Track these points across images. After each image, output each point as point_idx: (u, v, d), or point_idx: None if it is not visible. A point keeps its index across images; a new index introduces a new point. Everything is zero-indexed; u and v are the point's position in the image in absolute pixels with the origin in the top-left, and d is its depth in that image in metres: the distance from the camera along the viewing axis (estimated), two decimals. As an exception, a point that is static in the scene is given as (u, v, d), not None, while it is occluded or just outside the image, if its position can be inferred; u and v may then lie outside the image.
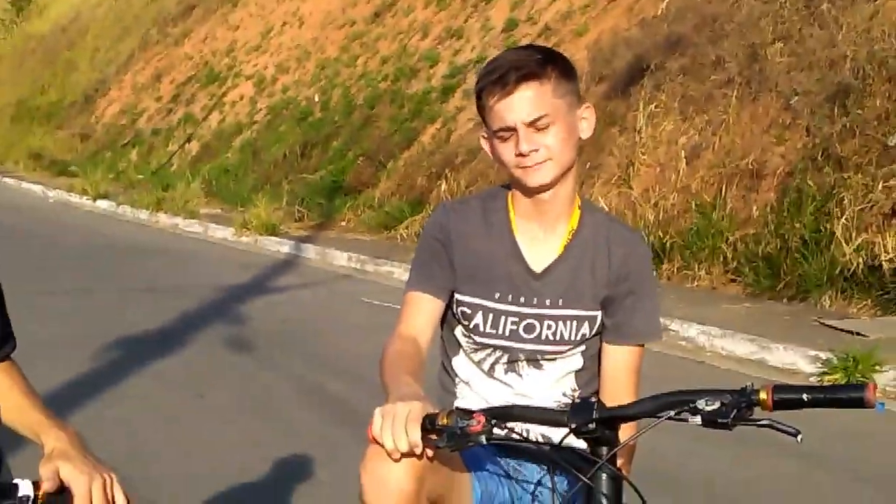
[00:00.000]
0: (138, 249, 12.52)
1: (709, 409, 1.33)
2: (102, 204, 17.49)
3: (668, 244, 8.80)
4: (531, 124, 1.62)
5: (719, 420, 1.34)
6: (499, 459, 1.83)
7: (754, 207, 8.48)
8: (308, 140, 16.02)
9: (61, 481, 1.29)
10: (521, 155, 1.62)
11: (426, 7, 16.27)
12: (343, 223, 13.60)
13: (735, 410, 1.33)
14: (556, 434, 1.48)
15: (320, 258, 11.72)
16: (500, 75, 1.65)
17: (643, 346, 1.83)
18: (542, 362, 1.85)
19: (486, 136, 1.78)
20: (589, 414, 1.40)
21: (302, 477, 4.34)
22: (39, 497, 1.26)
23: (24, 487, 1.26)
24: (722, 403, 1.32)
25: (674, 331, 7.32)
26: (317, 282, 10.32)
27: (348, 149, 15.11)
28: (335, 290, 10.00)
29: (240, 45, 21.53)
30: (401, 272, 9.67)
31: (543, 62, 1.68)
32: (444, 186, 11.96)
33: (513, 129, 1.63)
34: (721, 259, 8.42)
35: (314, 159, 15.65)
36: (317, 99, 17.22)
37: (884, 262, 7.25)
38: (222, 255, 12.33)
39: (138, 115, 23.33)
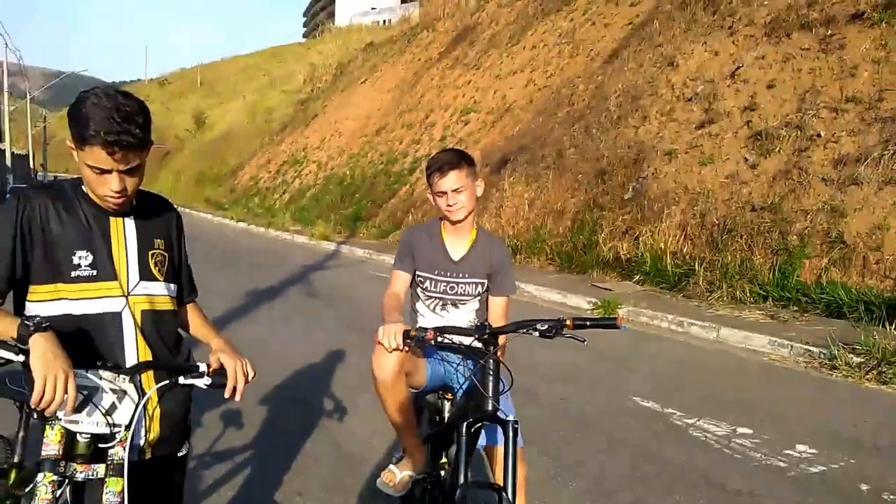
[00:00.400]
0: (258, 247, 18.60)
1: (542, 328, 2.18)
2: (241, 224, 25.83)
3: (518, 246, 12.64)
4: (454, 191, 2.54)
5: (547, 334, 2.18)
6: (439, 353, 2.65)
7: (560, 228, 12.49)
8: (343, 194, 23.83)
9: (220, 364, 1.89)
10: (449, 205, 2.56)
11: (401, 128, 23.32)
12: (361, 235, 20.03)
13: (554, 329, 2.18)
14: (467, 340, 2.28)
15: (349, 252, 16.78)
16: (440, 166, 2.55)
17: (508, 297, 2.73)
18: (459, 305, 2.72)
19: (430, 194, 2.69)
20: (485, 329, 2.23)
21: (339, 358, 6.27)
22: (209, 372, 1.86)
23: (202, 367, 1.86)
24: (549, 325, 2.17)
25: (521, 288, 9.92)
26: (348, 264, 14.68)
27: (363, 199, 22.32)
28: (357, 268, 14.02)
29: (310, 146, 31.59)
30: (390, 259, 12.45)
31: (460, 159, 2.57)
32: (410, 217, 17.78)
33: (444, 193, 2.56)
34: (544, 253, 12.42)
35: (346, 203, 23.05)
36: (349, 173, 25.14)
37: (622, 255, 10.83)
38: (301, 250, 17.81)
39: (258, 180, 34.61)
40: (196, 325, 2.17)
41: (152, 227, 1.98)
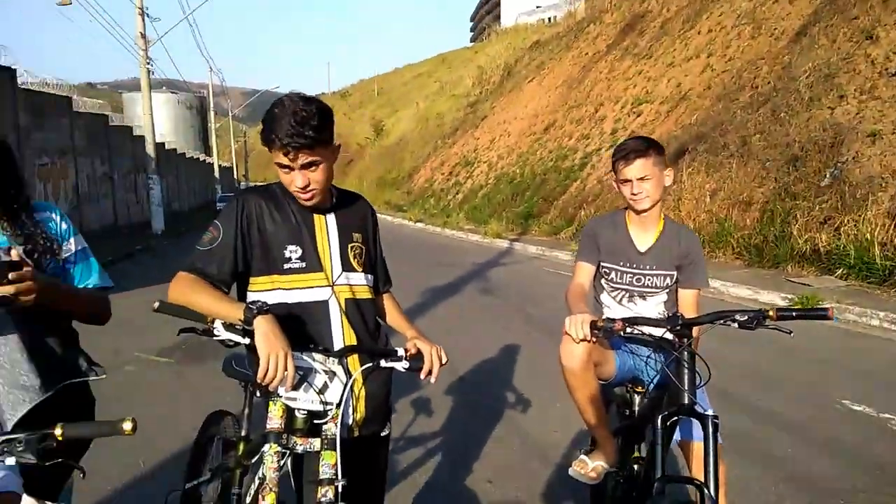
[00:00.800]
0: (435, 244, 19.96)
1: (741, 319, 2.07)
2: (419, 224, 27.16)
3: (700, 239, 12.56)
4: (640, 179, 2.49)
5: (747, 325, 2.05)
6: (627, 345, 2.61)
7: (747, 220, 11.85)
8: (514, 192, 24.04)
9: (416, 349, 2.01)
10: (634, 194, 2.52)
11: (570, 124, 23.03)
12: (533, 233, 20.20)
13: (756, 320, 2.06)
14: (658, 332, 2.21)
15: (522, 249, 17.34)
16: (626, 153, 2.52)
17: (699, 290, 2.64)
18: (646, 297, 2.65)
19: (615, 181, 2.65)
20: (677, 320, 2.17)
21: (517, 352, 6.41)
22: (406, 356, 1.99)
23: (400, 351, 2.00)
24: (749, 316, 2.06)
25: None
26: (521, 260, 15.07)
27: (534, 196, 22.37)
28: (530, 264, 14.37)
29: (480, 147, 32.29)
30: (563, 256, 14.44)
31: (647, 146, 2.51)
32: (582, 213, 17.59)
33: (629, 181, 2.51)
34: (729, 247, 11.82)
35: (517, 202, 23.23)
36: (519, 172, 24.90)
37: (820, 248, 10.06)
38: (475, 248, 18.54)
39: (433, 182, 36.04)
40: (392, 314, 2.29)
41: (351, 222, 2.13)
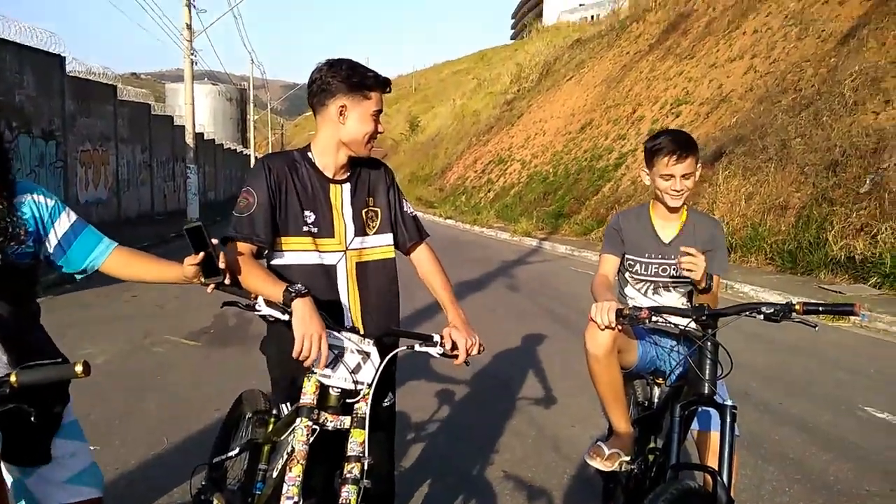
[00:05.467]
0: (464, 241, 19.68)
1: (767, 311, 2.07)
2: (449, 221, 27.22)
3: (733, 243, 11.77)
4: (683, 176, 2.52)
5: (773, 317, 2.04)
6: (651, 336, 2.65)
7: (782, 225, 11.68)
8: (546, 191, 23.94)
9: (452, 339, 2.06)
10: (675, 190, 2.52)
11: (607, 124, 22.89)
12: (563, 232, 20.05)
13: (782, 313, 2.05)
14: (683, 322, 2.25)
15: (551, 248, 17.38)
16: (674, 149, 2.50)
17: (718, 277, 2.59)
18: (671, 288, 2.68)
19: (647, 173, 2.64)
20: (703, 310, 2.18)
21: (540, 347, 6.55)
22: (441, 343, 2.02)
23: (436, 338, 2.04)
24: (776, 308, 2.06)
25: (736, 289, 9.70)
26: (550, 259, 15.21)
27: (566, 195, 22.20)
28: (559, 263, 14.46)
29: (514, 145, 32.10)
30: (592, 256, 14.27)
31: (693, 144, 2.56)
32: (614, 214, 17.78)
33: (672, 176, 2.52)
34: (762, 252, 11.65)
35: (549, 201, 23.12)
36: (552, 171, 24.74)
37: (856, 256, 9.86)
38: (504, 245, 18.67)
39: (465, 179, 35.93)
40: (427, 268, 2.36)
41: (364, 187, 2.25)
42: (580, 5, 72.19)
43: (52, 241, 1.92)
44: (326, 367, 1.88)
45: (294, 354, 1.80)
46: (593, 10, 63.41)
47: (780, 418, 4.71)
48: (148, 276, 2.03)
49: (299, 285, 1.91)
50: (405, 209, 2.36)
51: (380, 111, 2.15)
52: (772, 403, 5.00)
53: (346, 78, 2.09)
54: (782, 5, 19.06)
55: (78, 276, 2.02)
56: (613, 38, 32.87)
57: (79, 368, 1.38)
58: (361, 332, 2.03)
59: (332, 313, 1.99)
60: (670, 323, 2.28)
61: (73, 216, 1.98)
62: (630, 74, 26.03)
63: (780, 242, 11.56)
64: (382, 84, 2.13)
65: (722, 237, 2.69)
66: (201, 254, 1.77)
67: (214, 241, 1.83)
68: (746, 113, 15.98)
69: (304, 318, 1.83)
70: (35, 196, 1.91)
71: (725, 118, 16.90)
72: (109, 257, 1.99)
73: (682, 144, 2.52)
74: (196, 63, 22.93)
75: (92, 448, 2.03)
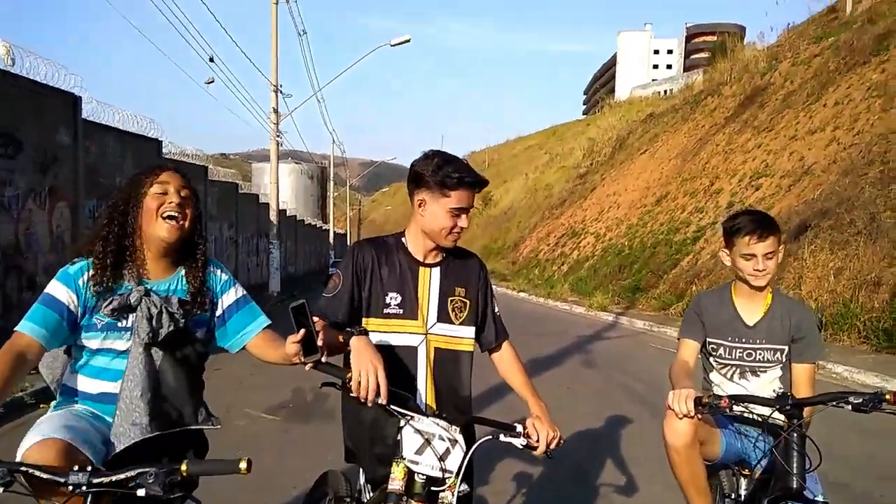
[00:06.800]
0: (540, 314, 19.86)
1: (856, 401, 1.98)
2: (522, 294, 27.07)
3: (823, 321, 11.03)
4: (765, 255, 2.45)
5: (862, 408, 1.95)
6: (734, 424, 2.54)
7: (875, 302, 11.20)
8: (621, 264, 23.54)
9: (536, 432, 2.00)
10: (758, 270, 2.46)
11: (683, 197, 22.59)
12: (640, 307, 19.59)
13: (872, 403, 1.96)
14: (766, 411, 2.19)
15: (629, 323, 16.99)
16: (755, 228, 2.46)
17: (813, 364, 2.54)
18: (759, 373, 2.57)
19: (727, 253, 2.57)
20: (787, 400, 2.10)
21: (620, 429, 6.23)
22: (525, 434, 1.98)
23: (519, 428, 1.97)
24: (864, 398, 1.98)
25: (829, 369, 9.26)
26: (627, 335, 14.82)
27: (642, 269, 21.80)
28: (636, 339, 14.11)
29: (588, 218, 32.00)
30: (671, 332, 13.51)
31: (775, 223, 2.51)
32: (694, 288, 16.88)
33: (754, 256, 2.44)
34: (855, 330, 11.14)
35: (624, 274, 22.71)
36: (627, 244, 24.62)
37: None
38: (579, 320, 18.44)
39: (538, 252, 35.94)
40: (508, 367, 2.37)
41: (455, 277, 2.29)
42: (653, 80, 72.62)
43: (217, 312, 2.18)
44: (415, 453, 1.87)
45: (353, 388, 1.81)
46: (666, 85, 63.64)
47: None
48: (271, 357, 2.18)
49: (360, 326, 1.99)
50: (495, 309, 2.38)
51: (462, 209, 2.18)
52: (874, 496, 4.64)
53: (431, 173, 2.17)
54: (864, 77, 18.69)
55: (232, 350, 2.22)
56: (688, 111, 32.80)
57: (243, 465, 1.43)
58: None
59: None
60: (753, 413, 2.23)
61: (241, 291, 2.24)
62: (706, 147, 25.81)
63: (874, 320, 10.97)
64: (469, 185, 2.17)
65: (812, 324, 2.60)
66: (302, 331, 1.81)
67: (315, 319, 1.85)
68: (831, 185, 15.49)
69: (360, 352, 1.86)
70: (213, 269, 2.21)
71: (808, 191, 16.44)
72: (257, 336, 2.20)
73: (763, 223, 2.49)
74: (281, 144, 24.13)
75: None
